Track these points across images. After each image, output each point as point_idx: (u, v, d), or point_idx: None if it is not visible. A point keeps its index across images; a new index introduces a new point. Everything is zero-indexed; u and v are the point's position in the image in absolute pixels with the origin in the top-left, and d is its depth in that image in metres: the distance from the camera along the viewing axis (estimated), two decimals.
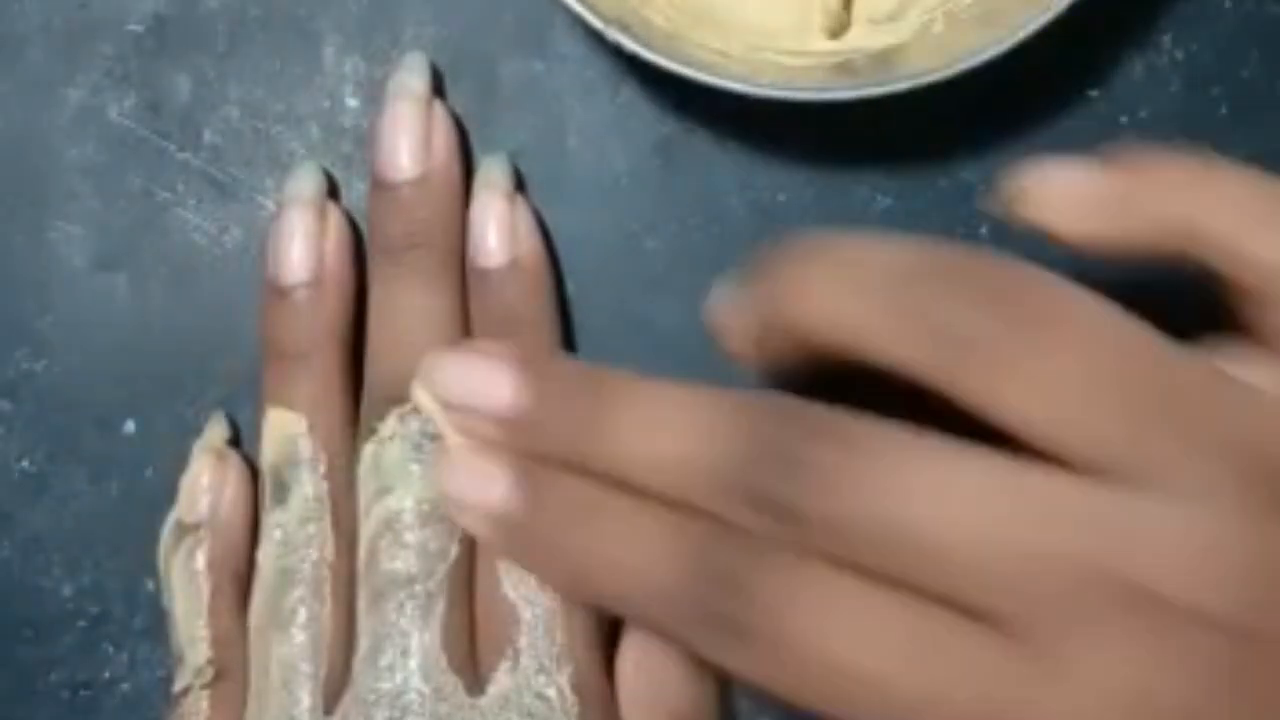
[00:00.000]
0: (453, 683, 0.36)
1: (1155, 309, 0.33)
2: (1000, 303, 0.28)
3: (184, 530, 0.39)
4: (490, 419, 0.32)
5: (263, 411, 0.39)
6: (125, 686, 0.41)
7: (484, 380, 0.32)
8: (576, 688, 0.36)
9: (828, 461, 0.27)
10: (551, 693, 0.36)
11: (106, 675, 0.41)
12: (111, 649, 0.41)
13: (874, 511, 0.27)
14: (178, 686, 0.38)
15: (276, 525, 0.38)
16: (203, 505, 0.39)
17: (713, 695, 0.37)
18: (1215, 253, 0.31)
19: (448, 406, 0.32)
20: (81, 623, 0.41)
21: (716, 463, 0.29)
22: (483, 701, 0.36)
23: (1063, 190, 0.31)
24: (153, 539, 0.39)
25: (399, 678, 0.36)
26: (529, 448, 0.32)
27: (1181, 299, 0.39)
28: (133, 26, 0.41)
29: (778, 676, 0.28)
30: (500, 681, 0.36)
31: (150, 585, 0.40)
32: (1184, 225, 0.31)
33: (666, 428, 0.29)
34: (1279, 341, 0.30)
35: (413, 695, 0.36)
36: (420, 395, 0.34)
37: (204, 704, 0.38)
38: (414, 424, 0.38)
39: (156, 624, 0.39)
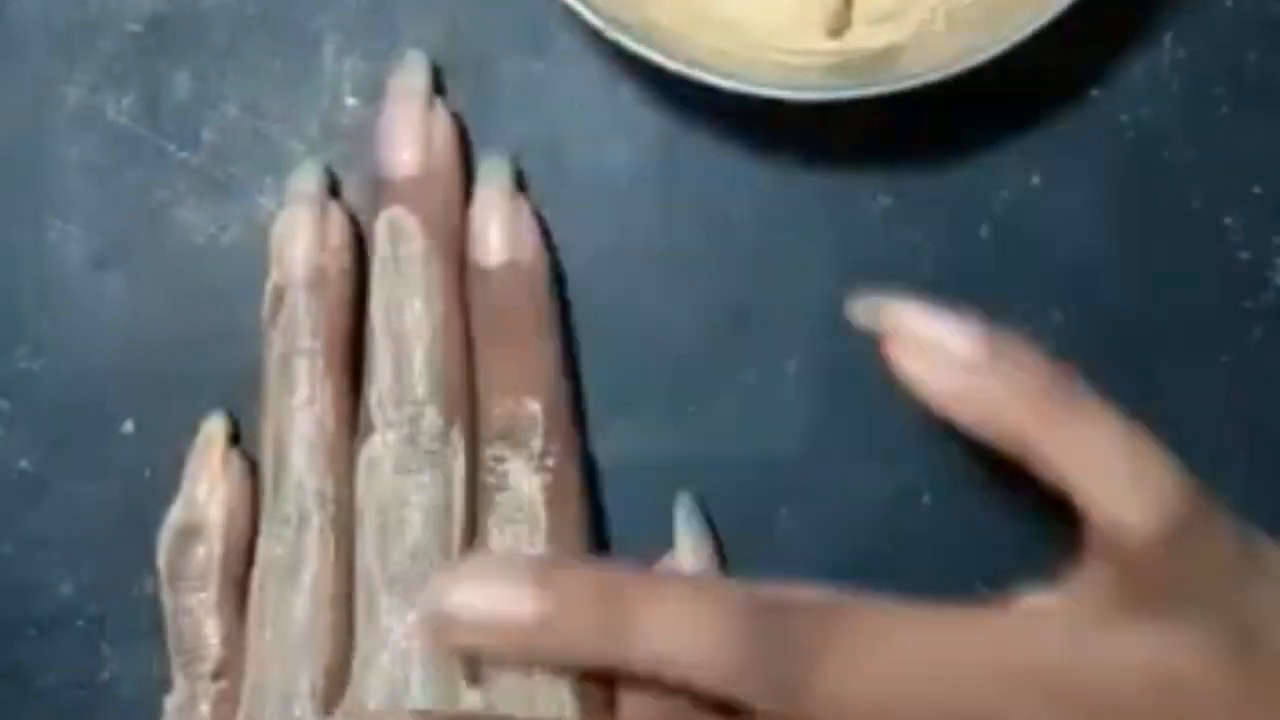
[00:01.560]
0: (452, 681, 0.36)
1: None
2: None
3: (183, 530, 0.39)
4: (513, 633, 0.33)
5: (262, 410, 0.39)
6: (124, 687, 0.41)
7: (504, 597, 0.33)
8: (573, 687, 0.36)
9: (815, 643, 0.32)
10: (548, 690, 0.36)
11: (105, 675, 0.41)
12: (110, 649, 0.41)
13: (862, 686, 0.31)
14: (175, 686, 0.38)
15: (275, 524, 0.38)
16: (202, 505, 0.39)
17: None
18: (1059, 483, 0.32)
19: (465, 626, 0.34)
20: (80, 622, 0.41)
21: (729, 659, 0.32)
22: (482, 700, 0.36)
23: (927, 346, 0.32)
24: (152, 539, 0.39)
25: (397, 678, 0.36)
26: (548, 655, 0.34)
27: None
28: (131, 25, 0.41)
29: None
30: (499, 680, 0.36)
31: (149, 585, 0.40)
32: (1034, 452, 0.32)
33: (683, 636, 0.32)
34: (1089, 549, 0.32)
35: (411, 695, 0.36)
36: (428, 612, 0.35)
37: (203, 704, 0.38)
38: (412, 427, 0.38)
39: (156, 624, 0.39)
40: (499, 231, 0.39)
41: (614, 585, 0.33)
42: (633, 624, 0.33)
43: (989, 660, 0.31)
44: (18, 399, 0.41)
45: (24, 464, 0.41)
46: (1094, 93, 0.41)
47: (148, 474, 0.41)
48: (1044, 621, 0.31)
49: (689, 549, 0.39)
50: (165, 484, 0.39)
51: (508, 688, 0.36)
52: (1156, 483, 0.31)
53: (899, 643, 0.32)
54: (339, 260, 0.39)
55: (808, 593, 0.33)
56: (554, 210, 0.40)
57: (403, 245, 0.38)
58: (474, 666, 0.37)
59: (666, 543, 0.39)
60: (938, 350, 0.32)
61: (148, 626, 0.40)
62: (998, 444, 0.32)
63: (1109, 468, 0.31)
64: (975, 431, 0.32)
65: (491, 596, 0.33)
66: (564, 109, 0.41)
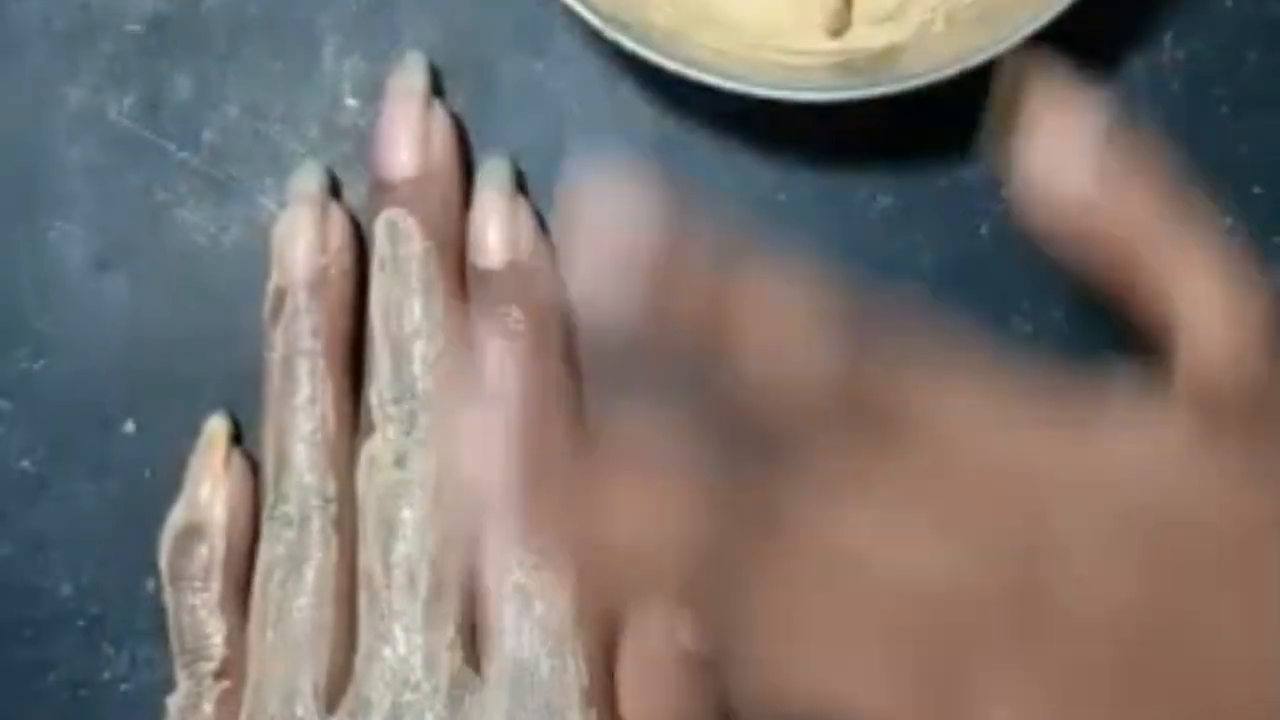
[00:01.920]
0: (456, 680, 0.36)
1: None
2: None
3: (186, 529, 0.39)
4: None
5: (264, 410, 0.39)
6: (125, 687, 0.41)
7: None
8: (580, 687, 0.36)
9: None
10: (555, 689, 0.36)
11: (106, 675, 0.41)
12: (111, 649, 0.41)
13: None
14: (178, 686, 0.38)
15: (277, 524, 0.38)
16: (204, 505, 0.39)
17: (712, 697, 0.37)
18: (1158, 317, 0.31)
19: None
20: (81, 623, 0.41)
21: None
22: (486, 699, 0.36)
23: (1053, 176, 0.31)
24: (153, 539, 0.39)
25: (400, 676, 0.36)
26: None
27: None
28: (133, 26, 0.41)
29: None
30: (504, 679, 0.36)
31: (150, 585, 0.40)
32: (1145, 281, 0.31)
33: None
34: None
35: (414, 693, 0.36)
36: None
37: (206, 704, 0.38)
38: (413, 426, 0.38)
39: (156, 624, 0.39)
40: (499, 233, 0.39)
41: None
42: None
43: (1065, 471, 0.30)
44: (19, 399, 0.41)
45: (25, 464, 0.41)
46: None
47: (148, 474, 0.41)
48: (1126, 445, 0.30)
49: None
50: (166, 484, 0.39)
51: (506, 689, 0.36)
52: (1252, 322, 0.30)
53: (978, 423, 0.30)
54: (340, 261, 0.39)
55: None
56: (554, 210, 0.40)
57: (402, 246, 0.38)
58: (476, 660, 0.37)
59: None
60: (1059, 184, 0.31)
61: (149, 626, 0.40)
62: (1107, 277, 0.31)
63: (1207, 304, 0.30)
64: (1089, 266, 0.31)
65: None
66: (564, 109, 0.41)
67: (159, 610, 0.39)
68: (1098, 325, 0.41)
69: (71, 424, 0.41)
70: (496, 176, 0.40)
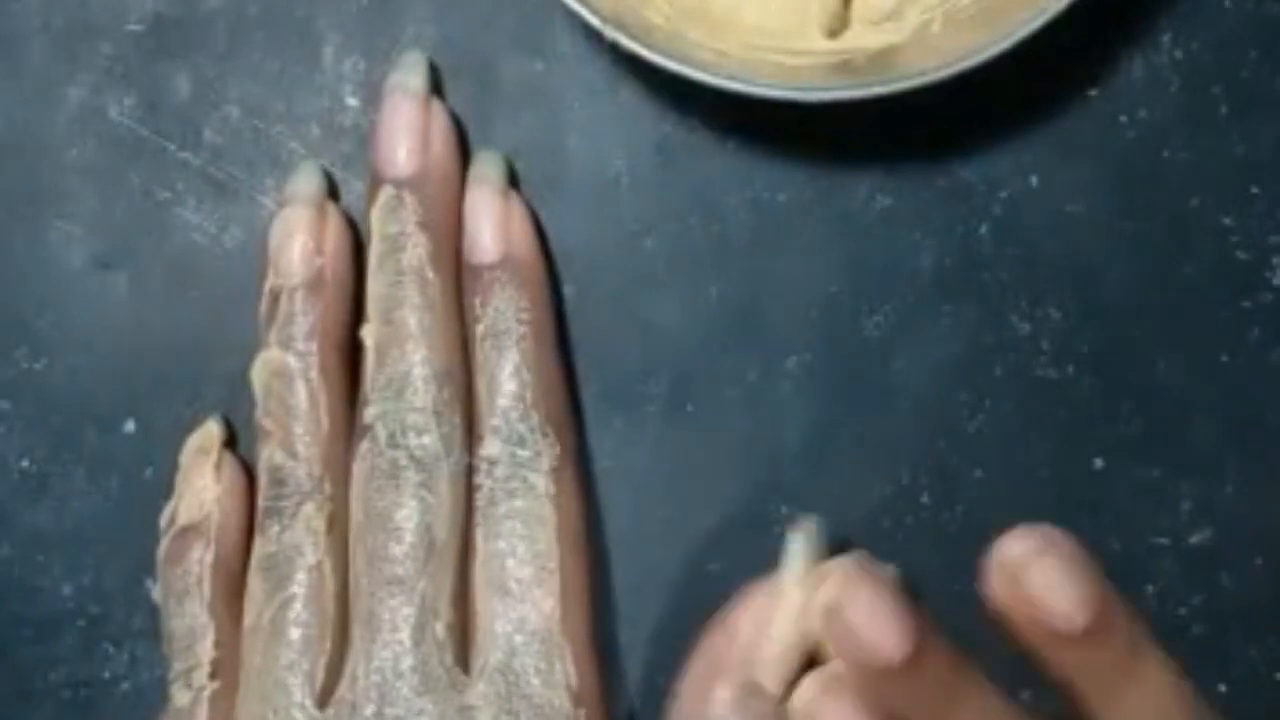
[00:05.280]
0: (445, 680, 0.36)
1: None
2: None
3: (178, 531, 0.39)
4: (862, 658, 0.34)
5: (259, 411, 0.39)
6: (125, 685, 0.41)
7: (881, 628, 0.34)
8: (568, 687, 0.36)
9: None
10: (542, 690, 0.36)
11: (106, 674, 0.41)
12: (111, 648, 0.41)
13: None
14: (173, 685, 0.38)
15: (272, 524, 0.38)
16: (196, 507, 0.39)
17: None
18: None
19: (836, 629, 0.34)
20: (81, 622, 0.41)
21: None
22: (475, 699, 0.36)
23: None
24: (152, 539, 0.39)
25: (390, 675, 0.36)
26: (875, 698, 0.34)
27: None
28: (133, 26, 0.41)
29: None
30: (492, 679, 0.37)
31: (150, 585, 0.40)
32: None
33: None
34: None
35: (405, 692, 0.36)
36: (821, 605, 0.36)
37: (200, 704, 0.38)
38: (408, 426, 0.38)
39: (156, 623, 0.39)
40: (492, 229, 0.39)
41: (957, 673, 0.35)
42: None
43: None
44: (19, 399, 0.41)
45: (25, 464, 0.41)
46: (1093, 93, 0.41)
47: (148, 474, 0.41)
48: None
49: (793, 579, 0.38)
50: (166, 484, 0.40)
51: (496, 686, 0.36)
52: None
53: None
54: (336, 262, 0.39)
55: None
56: (553, 210, 0.40)
57: (397, 224, 0.38)
58: (465, 660, 0.37)
59: (665, 542, 0.40)
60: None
61: (148, 625, 0.40)
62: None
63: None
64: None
65: (875, 621, 0.34)
66: (564, 109, 0.41)
67: (158, 609, 0.39)
68: (1095, 326, 0.41)
69: (71, 423, 0.41)
70: (488, 171, 0.40)
